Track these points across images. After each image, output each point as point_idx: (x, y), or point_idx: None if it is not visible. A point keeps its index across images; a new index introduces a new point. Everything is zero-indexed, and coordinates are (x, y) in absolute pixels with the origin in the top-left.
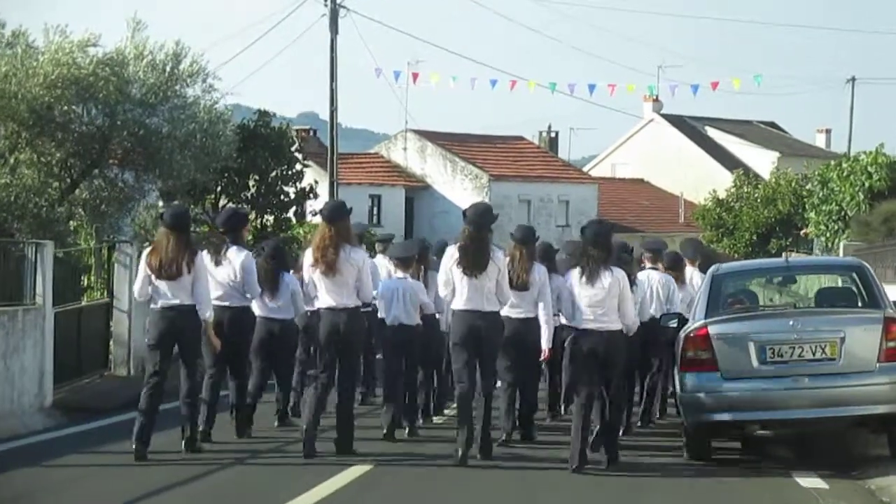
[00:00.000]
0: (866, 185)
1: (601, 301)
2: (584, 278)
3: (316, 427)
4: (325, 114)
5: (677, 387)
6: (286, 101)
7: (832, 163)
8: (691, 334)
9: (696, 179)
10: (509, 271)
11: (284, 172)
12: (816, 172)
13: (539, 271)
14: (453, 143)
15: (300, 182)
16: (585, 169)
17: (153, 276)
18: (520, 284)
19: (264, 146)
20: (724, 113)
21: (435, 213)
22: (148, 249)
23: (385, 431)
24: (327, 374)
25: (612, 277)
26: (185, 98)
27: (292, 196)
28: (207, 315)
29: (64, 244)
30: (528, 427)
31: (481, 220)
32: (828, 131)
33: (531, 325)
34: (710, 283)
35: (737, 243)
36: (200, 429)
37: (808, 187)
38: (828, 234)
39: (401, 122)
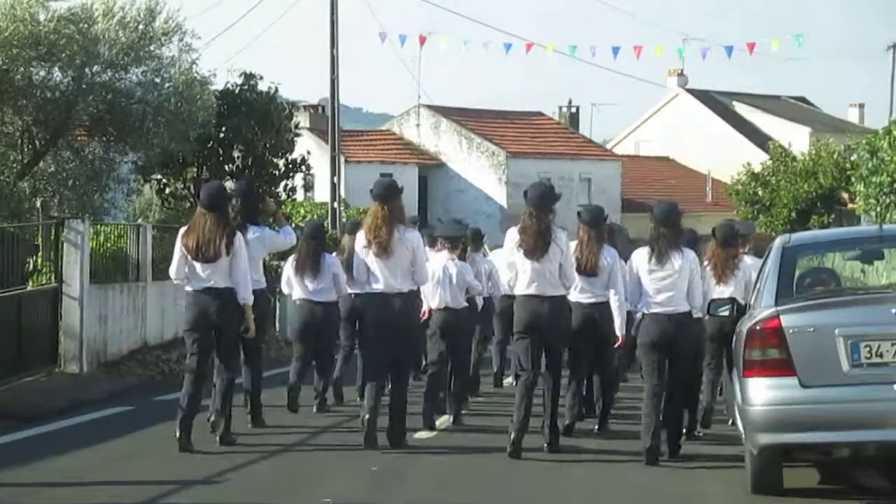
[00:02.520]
0: None
1: (671, 284)
2: (653, 260)
3: (377, 417)
4: (347, 99)
5: (738, 397)
6: (307, 87)
7: (881, 130)
8: (757, 327)
9: (724, 157)
10: (577, 255)
11: (273, 142)
12: (864, 142)
13: (609, 254)
14: (469, 119)
15: (291, 153)
16: (608, 147)
17: (189, 257)
18: (588, 269)
19: (250, 113)
20: (751, 88)
21: (450, 192)
22: (183, 230)
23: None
24: (375, 363)
25: (682, 259)
26: (161, 59)
27: (282, 168)
28: (246, 297)
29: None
30: (602, 420)
31: (542, 200)
32: (861, 106)
33: (602, 310)
34: (780, 257)
35: (774, 220)
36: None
37: (853, 158)
38: (878, 209)
39: (413, 103)
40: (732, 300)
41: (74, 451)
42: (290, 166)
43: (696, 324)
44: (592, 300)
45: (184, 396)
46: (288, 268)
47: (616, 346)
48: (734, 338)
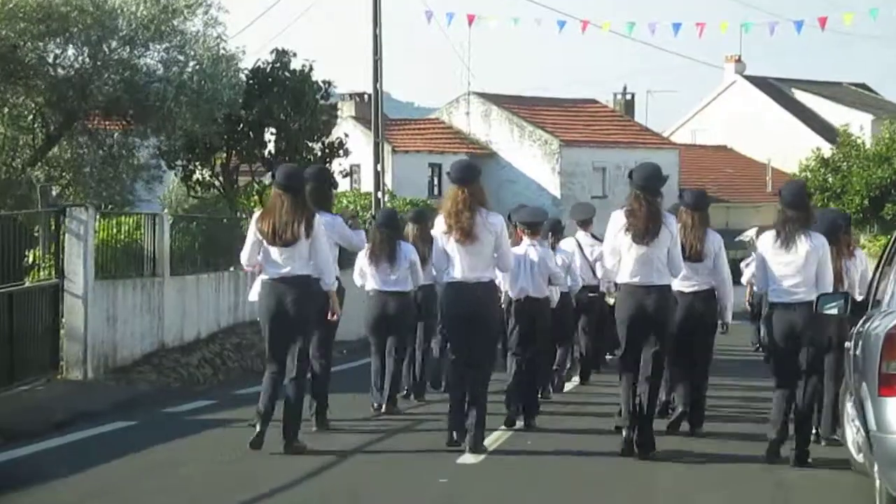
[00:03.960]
0: None
1: (799, 269)
2: (778, 243)
3: (462, 413)
4: (398, 94)
5: (871, 422)
6: (355, 77)
7: None
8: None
9: (783, 145)
10: (681, 240)
11: (308, 124)
12: None
13: (714, 240)
14: (520, 107)
15: (328, 136)
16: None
17: (265, 242)
18: (693, 255)
19: (282, 93)
20: (810, 74)
21: (501, 181)
22: (258, 213)
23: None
24: (459, 356)
25: (810, 244)
26: (184, 34)
27: (318, 153)
28: (331, 283)
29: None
30: (696, 416)
31: (650, 182)
32: None
33: (706, 298)
34: None
35: (846, 208)
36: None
37: None
38: None
39: (463, 90)
40: (845, 294)
41: (57, 478)
42: (328, 151)
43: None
44: (696, 288)
45: (263, 395)
46: (361, 257)
47: (722, 333)
48: (854, 342)
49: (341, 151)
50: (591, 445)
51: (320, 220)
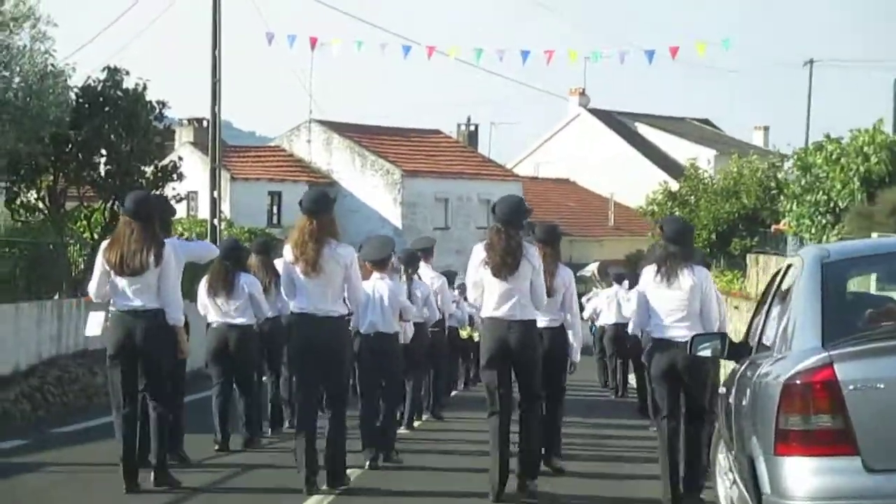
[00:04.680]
0: (861, 169)
1: (682, 305)
2: (658, 278)
3: (313, 451)
4: (239, 122)
5: (763, 484)
6: (194, 104)
7: (810, 146)
8: (798, 380)
9: (627, 180)
10: None
11: (140, 146)
12: (794, 156)
13: (564, 275)
14: (363, 136)
15: (161, 159)
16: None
17: (112, 273)
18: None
19: (114, 113)
20: (653, 109)
21: (343, 211)
22: (105, 243)
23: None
24: (308, 391)
25: (693, 278)
26: (9, 49)
27: (150, 177)
28: (178, 318)
29: None
30: (553, 451)
31: (512, 215)
32: (765, 128)
33: (556, 334)
34: (822, 279)
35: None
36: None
37: (779, 176)
38: (813, 230)
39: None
40: (722, 335)
41: None
42: (161, 174)
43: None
44: (545, 324)
45: (119, 439)
46: (201, 289)
47: (570, 373)
48: (735, 388)
49: (175, 175)
50: (444, 483)
51: (170, 250)
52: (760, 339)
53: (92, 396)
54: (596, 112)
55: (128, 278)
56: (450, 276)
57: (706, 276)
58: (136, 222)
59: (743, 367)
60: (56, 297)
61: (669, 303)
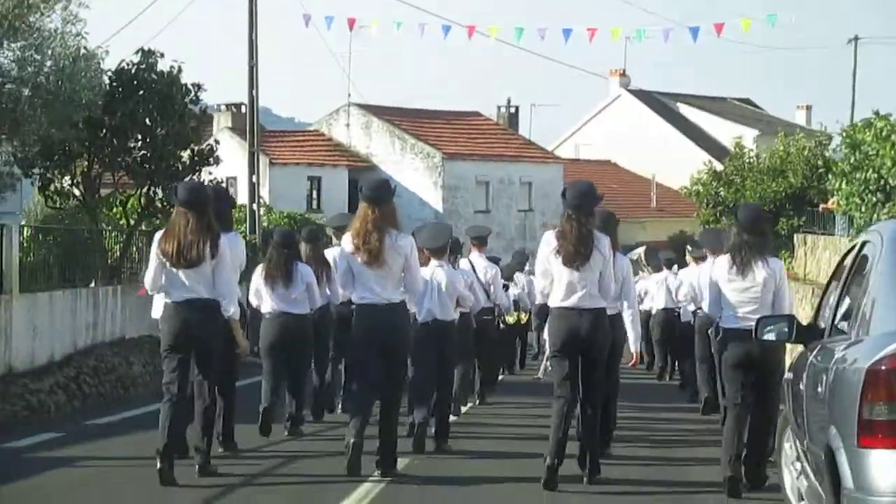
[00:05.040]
0: None
1: (755, 297)
2: (734, 269)
3: (362, 443)
4: (277, 108)
5: (846, 479)
6: (233, 90)
7: (858, 123)
8: (883, 366)
9: (668, 160)
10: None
11: (175, 130)
12: (843, 133)
13: (622, 263)
14: (402, 119)
15: (198, 144)
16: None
17: (168, 264)
18: None
19: (148, 97)
20: (696, 89)
21: None
22: (160, 234)
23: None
24: (369, 379)
25: (767, 269)
26: (41, 31)
27: (186, 161)
28: (232, 311)
29: None
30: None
31: (583, 200)
32: (808, 108)
33: (616, 322)
34: None
35: None
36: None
37: (827, 153)
38: (863, 209)
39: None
40: (789, 317)
41: None
42: (197, 159)
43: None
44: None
45: (163, 425)
46: (257, 278)
47: (631, 364)
48: (807, 375)
49: (211, 160)
50: (495, 469)
51: (225, 241)
52: (834, 321)
53: (129, 387)
54: (636, 93)
55: (184, 270)
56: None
57: (780, 267)
58: (192, 212)
59: (815, 352)
60: (92, 284)
61: (743, 294)
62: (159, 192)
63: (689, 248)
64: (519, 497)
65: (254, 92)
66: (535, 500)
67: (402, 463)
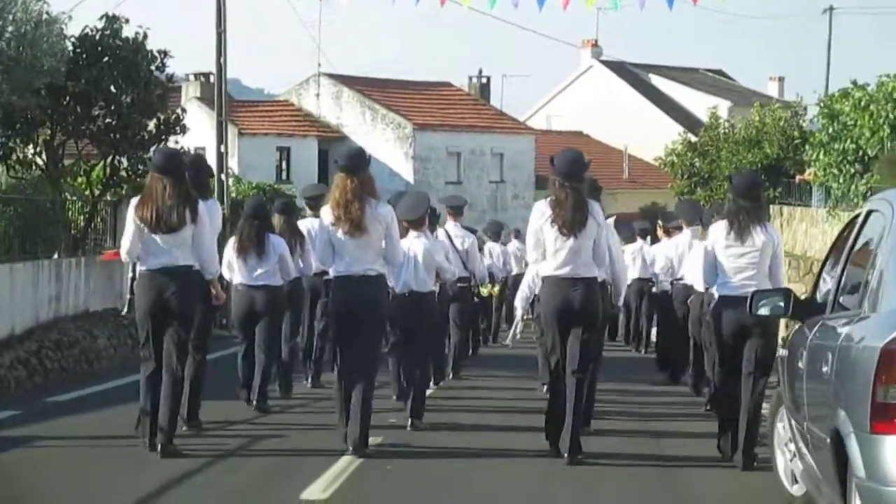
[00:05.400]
0: (892, 116)
1: (753, 262)
2: (731, 235)
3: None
4: (247, 79)
5: (857, 467)
6: (201, 60)
7: (836, 93)
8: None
9: (640, 132)
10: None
11: (141, 98)
12: (821, 104)
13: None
14: (373, 89)
15: (163, 112)
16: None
17: (146, 230)
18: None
19: (113, 63)
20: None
21: None
22: (135, 200)
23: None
24: (345, 352)
25: (766, 234)
26: None
27: (152, 130)
28: (214, 272)
29: None
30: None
31: (574, 168)
32: (781, 79)
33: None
34: None
35: (713, 194)
36: None
37: (803, 124)
38: (841, 179)
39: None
40: (785, 291)
41: None
42: (163, 127)
43: None
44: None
45: (144, 395)
46: (229, 250)
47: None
48: (805, 351)
49: (178, 128)
50: (469, 441)
51: (203, 207)
52: (837, 296)
53: (93, 361)
54: (608, 63)
55: (163, 235)
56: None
57: (777, 234)
58: (168, 178)
59: (815, 329)
60: (55, 256)
61: (739, 260)
62: (124, 161)
63: (660, 221)
64: (498, 471)
65: (222, 60)
66: (516, 474)
67: (373, 440)
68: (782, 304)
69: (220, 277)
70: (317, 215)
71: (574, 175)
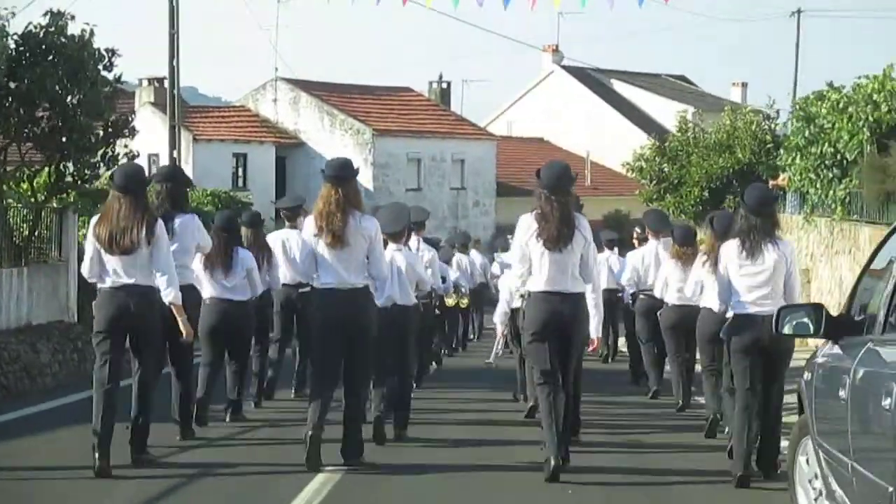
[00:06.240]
0: (871, 119)
1: (766, 281)
2: (743, 253)
3: (321, 434)
4: (204, 88)
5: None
6: (156, 65)
7: (811, 95)
8: None
9: (602, 138)
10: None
11: (87, 98)
12: (796, 106)
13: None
14: (331, 94)
15: (111, 114)
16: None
17: (102, 251)
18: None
19: (58, 62)
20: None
21: (311, 173)
22: (95, 218)
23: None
24: (327, 368)
25: (777, 252)
26: None
27: (100, 133)
28: (173, 296)
29: None
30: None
31: (560, 181)
32: (744, 84)
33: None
34: None
35: (683, 201)
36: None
37: (776, 126)
38: (818, 185)
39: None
40: (816, 307)
41: None
42: (111, 130)
43: None
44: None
45: (96, 415)
46: (196, 264)
47: (590, 350)
48: (849, 382)
49: (127, 131)
50: (454, 458)
51: (163, 226)
52: (888, 314)
53: (35, 377)
54: (570, 69)
55: (119, 256)
56: (433, 244)
57: (791, 250)
58: (126, 197)
59: (862, 352)
60: None
61: (753, 279)
62: (70, 166)
63: (637, 229)
64: (481, 485)
65: (174, 62)
66: (502, 489)
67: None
68: (814, 321)
69: (193, 295)
70: (293, 226)
71: (561, 188)
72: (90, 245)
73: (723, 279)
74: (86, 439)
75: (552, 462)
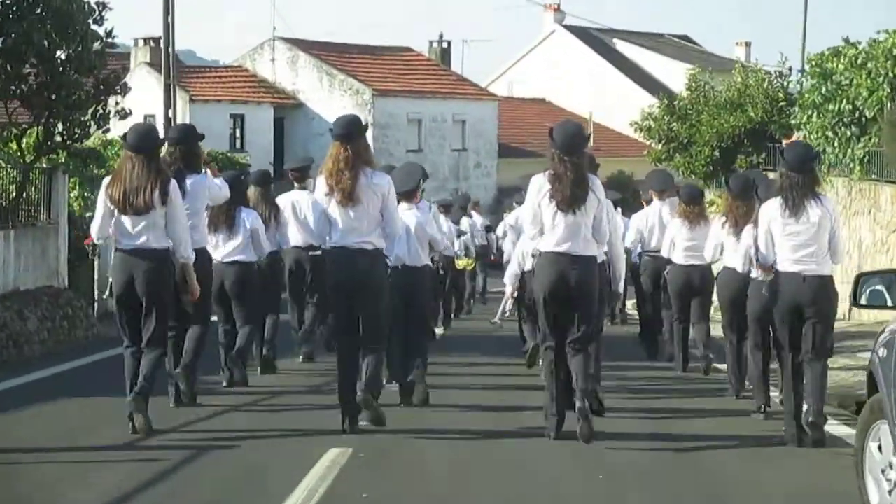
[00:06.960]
0: (891, 74)
1: (811, 239)
2: (786, 211)
3: (352, 391)
4: (202, 51)
5: None
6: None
7: (826, 52)
8: None
9: (604, 98)
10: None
11: (76, 54)
12: (811, 63)
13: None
14: (330, 54)
15: (101, 70)
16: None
17: (115, 211)
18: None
19: (45, 16)
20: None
21: (309, 135)
22: (107, 179)
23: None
24: (344, 328)
25: (821, 209)
26: None
27: (90, 89)
28: (187, 256)
29: None
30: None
31: (574, 142)
32: (747, 44)
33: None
34: None
35: (693, 161)
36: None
37: (788, 84)
38: (836, 143)
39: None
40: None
41: None
42: (102, 87)
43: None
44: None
45: (128, 377)
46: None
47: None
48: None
49: (118, 88)
50: (463, 422)
51: (177, 186)
52: None
53: (23, 345)
54: (572, 28)
55: (132, 217)
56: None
57: (834, 207)
58: (138, 157)
59: None
60: None
61: (797, 237)
62: (59, 125)
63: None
64: (504, 452)
65: (169, 19)
66: (523, 455)
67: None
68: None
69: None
70: (303, 187)
71: (574, 149)
72: (101, 205)
73: (766, 237)
74: (75, 413)
75: (553, 423)
